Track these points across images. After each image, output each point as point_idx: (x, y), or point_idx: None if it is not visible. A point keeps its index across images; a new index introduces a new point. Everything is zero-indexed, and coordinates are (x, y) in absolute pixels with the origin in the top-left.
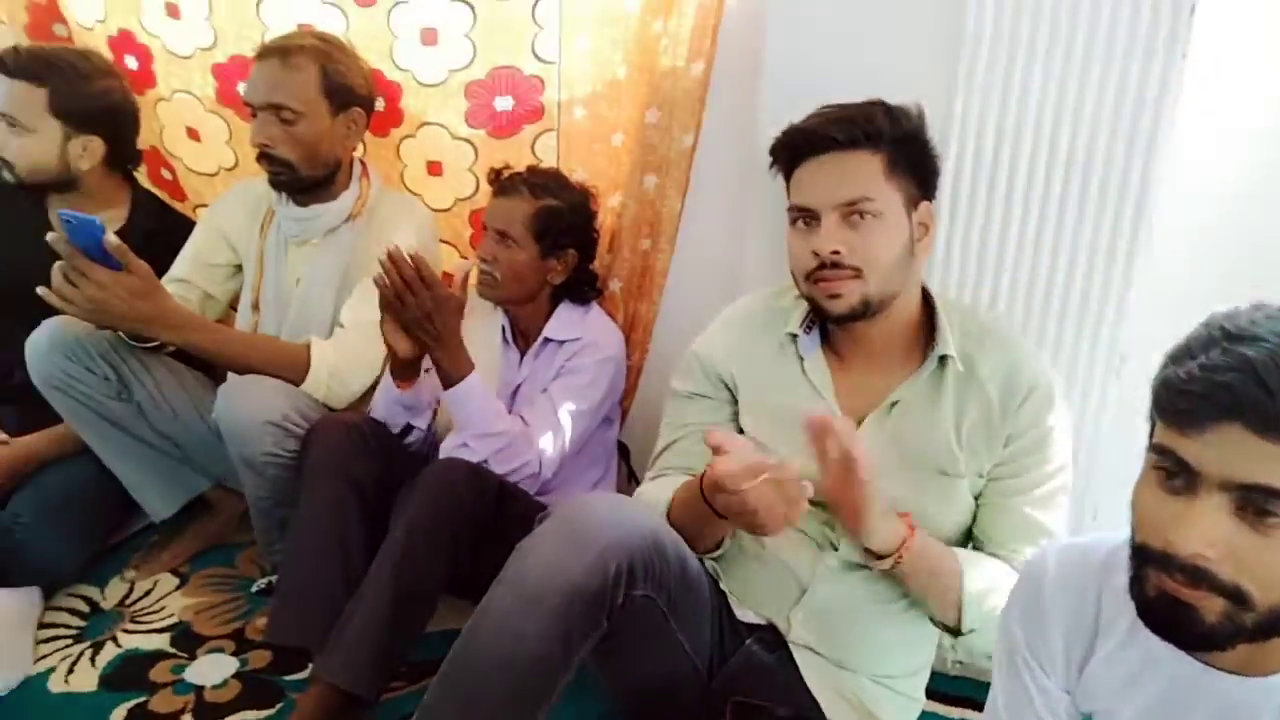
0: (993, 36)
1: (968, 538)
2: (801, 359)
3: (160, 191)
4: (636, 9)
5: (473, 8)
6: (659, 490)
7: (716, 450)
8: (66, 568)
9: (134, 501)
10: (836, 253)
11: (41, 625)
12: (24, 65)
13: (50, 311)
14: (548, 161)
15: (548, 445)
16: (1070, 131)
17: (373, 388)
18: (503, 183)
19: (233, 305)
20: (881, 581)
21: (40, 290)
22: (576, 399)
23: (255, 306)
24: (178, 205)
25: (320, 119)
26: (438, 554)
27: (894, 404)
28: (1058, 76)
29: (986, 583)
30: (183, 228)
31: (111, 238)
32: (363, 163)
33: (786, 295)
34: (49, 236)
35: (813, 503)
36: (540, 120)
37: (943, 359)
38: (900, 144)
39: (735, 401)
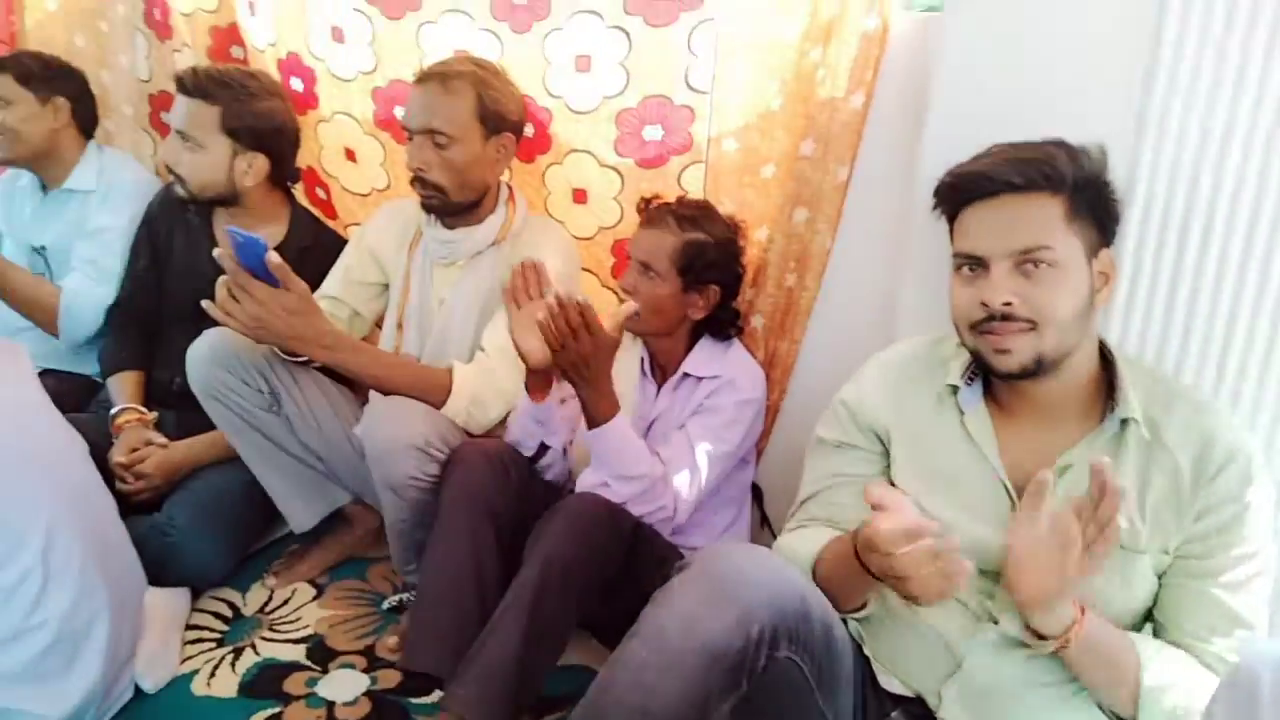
0: (1191, 71)
1: (1146, 619)
2: (962, 412)
3: (314, 209)
4: (795, 38)
5: (628, 35)
6: (804, 543)
7: (876, 507)
8: (215, 571)
9: (276, 510)
10: (1008, 304)
11: (188, 626)
12: (200, 85)
13: (213, 322)
14: (694, 193)
15: (683, 487)
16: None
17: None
18: (650, 213)
19: (378, 323)
20: (1046, 662)
21: (204, 303)
22: (714, 440)
23: (400, 325)
24: (330, 223)
25: (473, 144)
26: (572, 591)
27: (1066, 468)
28: (1269, 116)
29: (1169, 677)
30: (335, 245)
31: (273, 256)
32: (510, 187)
33: (947, 344)
34: (216, 252)
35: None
36: (689, 151)
37: (1124, 421)
38: (1082, 188)
39: (887, 454)
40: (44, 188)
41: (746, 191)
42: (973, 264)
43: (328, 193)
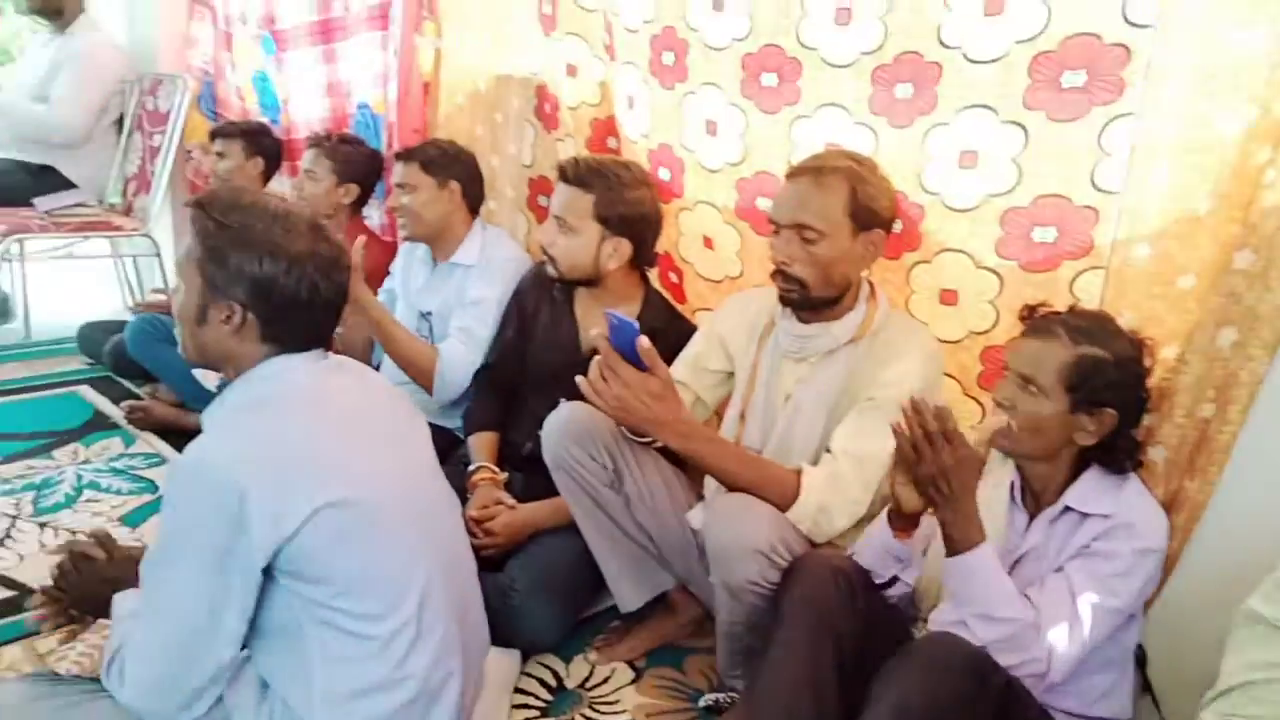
0: None
1: None
2: None
3: (665, 292)
4: (1237, 135)
5: (1026, 130)
6: None
7: None
8: (549, 637)
9: (602, 584)
10: None
11: (515, 690)
12: (579, 174)
13: (568, 393)
14: (1088, 302)
15: (1060, 641)
16: None
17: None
18: (1036, 321)
19: (719, 411)
20: None
21: (579, 379)
22: (1102, 591)
23: (742, 417)
24: (679, 307)
25: (841, 240)
26: None
27: None
28: None
29: None
30: (684, 330)
31: (644, 341)
32: (871, 284)
33: None
34: (592, 332)
35: None
36: (1086, 256)
37: None
38: None
39: None
40: (434, 259)
41: (1156, 304)
42: None
43: (680, 278)
